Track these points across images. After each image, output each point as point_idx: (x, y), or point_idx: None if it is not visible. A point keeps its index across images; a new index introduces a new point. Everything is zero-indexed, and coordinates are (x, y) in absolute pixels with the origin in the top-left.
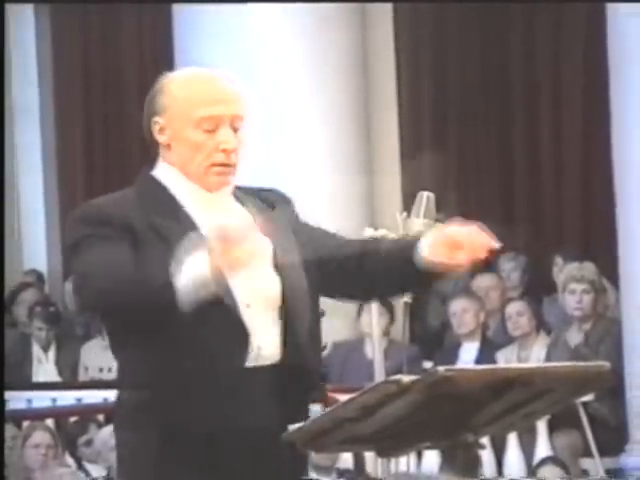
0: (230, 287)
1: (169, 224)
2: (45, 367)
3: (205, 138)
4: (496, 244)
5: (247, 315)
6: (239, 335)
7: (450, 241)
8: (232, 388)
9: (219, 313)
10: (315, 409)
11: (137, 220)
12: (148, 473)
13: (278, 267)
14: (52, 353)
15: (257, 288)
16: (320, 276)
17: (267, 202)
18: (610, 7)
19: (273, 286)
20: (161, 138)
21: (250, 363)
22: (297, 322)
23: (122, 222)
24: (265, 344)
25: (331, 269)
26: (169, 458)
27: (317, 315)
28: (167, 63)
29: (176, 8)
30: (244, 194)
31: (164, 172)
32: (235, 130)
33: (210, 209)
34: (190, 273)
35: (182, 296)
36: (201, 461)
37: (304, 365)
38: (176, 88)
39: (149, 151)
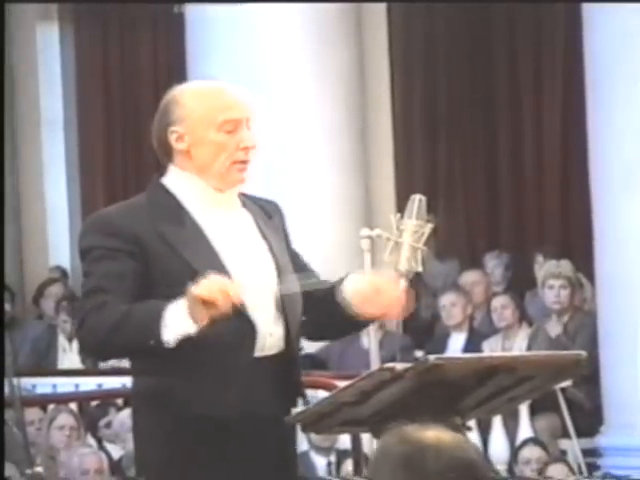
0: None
1: (175, 230)
2: (69, 356)
3: (227, 139)
4: (408, 306)
5: (255, 310)
6: (247, 328)
7: (370, 291)
8: (240, 376)
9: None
10: (319, 394)
11: (144, 229)
12: (162, 453)
13: (277, 266)
14: (76, 343)
15: (262, 286)
16: None
17: (265, 211)
18: (586, 10)
19: (274, 284)
20: (179, 145)
21: (257, 353)
22: (293, 317)
23: (129, 233)
24: (270, 336)
25: None
26: (182, 440)
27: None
28: (180, 77)
29: (189, 26)
30: (247, 200)
31: (174, 179)
32: (248, 129)
33: (216, 212)
34: (175, 329)
35: (167, 342)
36: (211, 443)
37: (297, 354)
38: (191, 99)
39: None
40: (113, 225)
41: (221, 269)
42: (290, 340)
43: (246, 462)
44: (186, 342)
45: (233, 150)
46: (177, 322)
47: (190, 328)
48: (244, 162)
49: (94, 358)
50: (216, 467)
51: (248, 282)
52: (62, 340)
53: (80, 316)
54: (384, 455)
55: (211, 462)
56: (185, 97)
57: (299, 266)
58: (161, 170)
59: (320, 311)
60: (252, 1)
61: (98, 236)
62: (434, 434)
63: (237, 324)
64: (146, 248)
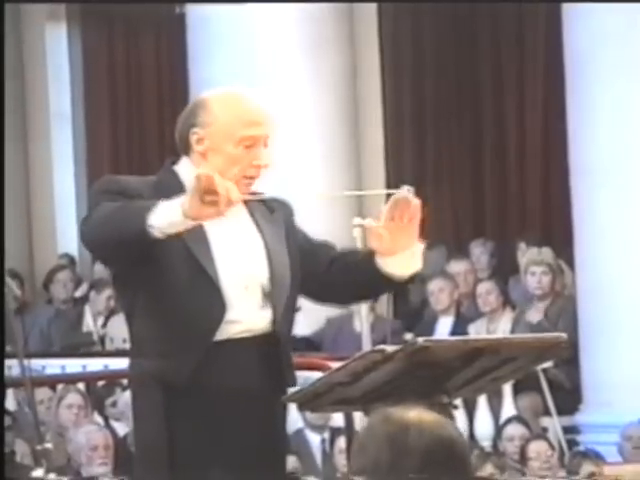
0: (218, 271)
1: None
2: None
3: (243, 153)
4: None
5: (240, 295)
6: (217, 309)
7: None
8: (225, 356)
9: (205, 291)
10: (313, 375)
11: (148, 198)
12: (153, 431)
13: (269, 257)
14: (100, 320)
15: (250, 274)
16: (304, 277)
17: (267, 206)
18: (566, 10)
19: (263, 273)
20: (198, 147)
21: (244, 334)
22: (281, 301)
23: (134, 193)
24: (253, 320)
25: (314, 272)
26: (170, 418)
27: (294, 299)
28: (181, 74)
29: (190, 25)
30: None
31: (185, 170)
32: (266, 147)
33: None
34: (163, 210)
35: (153, 227)
36: (198, 421)
37: (282, 338)
38: (218, 107)
39: (164, 147)
40: (120, 184)
41: (208, 255)
42: (277, 323)
43: (233, 438)
44: (165, 324)
45: (246, 165)
46: (167, 210)
47: (177, 218)
48: (253, 177)
49: (91, 249)
50: (205, 444)
51: (234, 270)
52: (88, 317)
53: (87, 219)
54: (369, 434)
55: (200, 439)
56: (213, 104)
57: (312, 246)
58: (174, 158)
59: (354, 274)
60: (252, 1)
61: (106, 195)
62: (416, 414)
63: (210, 308)
64: None
